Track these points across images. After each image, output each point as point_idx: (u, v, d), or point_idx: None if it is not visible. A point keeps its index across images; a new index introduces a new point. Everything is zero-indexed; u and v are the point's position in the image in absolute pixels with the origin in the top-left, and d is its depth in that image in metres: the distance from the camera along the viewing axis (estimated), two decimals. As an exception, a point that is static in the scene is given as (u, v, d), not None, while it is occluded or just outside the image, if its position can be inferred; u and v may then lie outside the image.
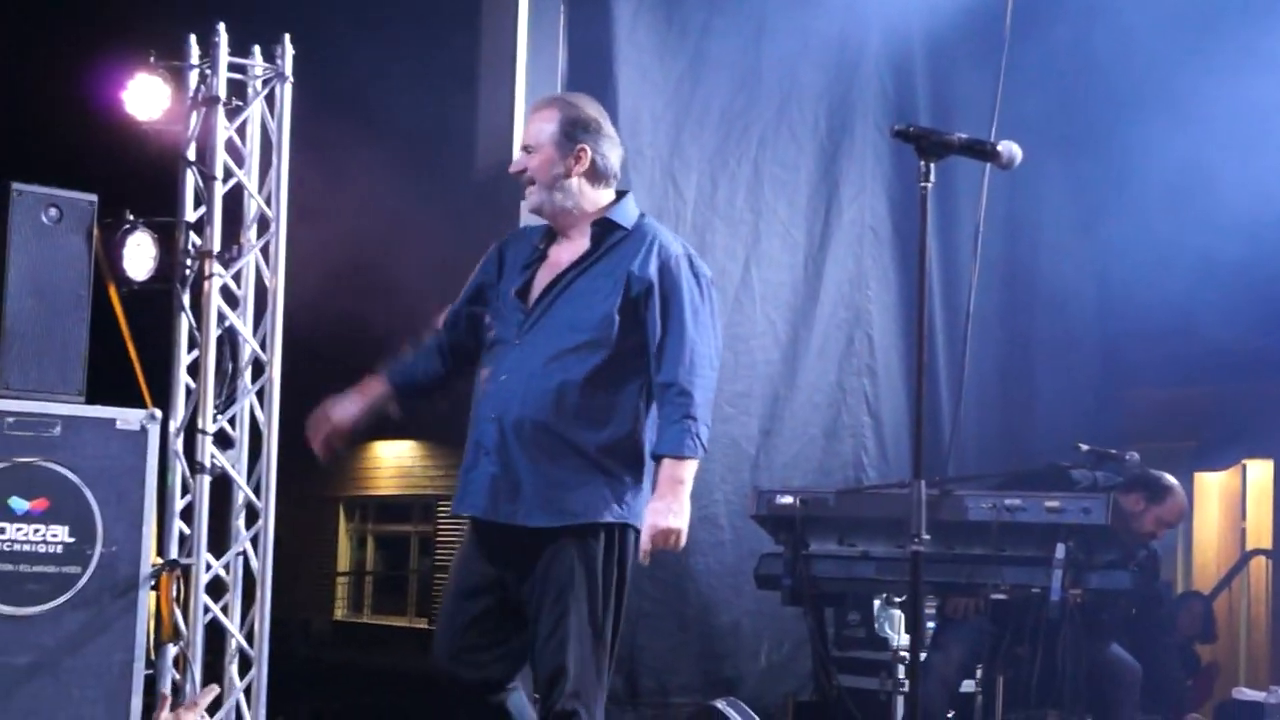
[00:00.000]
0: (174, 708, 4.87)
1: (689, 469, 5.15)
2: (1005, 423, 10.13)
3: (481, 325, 5.57)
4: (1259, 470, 12.34)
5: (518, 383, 5.24)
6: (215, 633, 7.48)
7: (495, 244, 5.73)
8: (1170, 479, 7.84)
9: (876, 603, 7.67)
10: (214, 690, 5.42)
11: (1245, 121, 9.53)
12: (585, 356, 5.21)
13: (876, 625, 7.69)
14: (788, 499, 7.36)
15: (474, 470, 5.37)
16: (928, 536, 5.01)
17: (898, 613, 7.55)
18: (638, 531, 5.20)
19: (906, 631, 7.35)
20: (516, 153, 5.64)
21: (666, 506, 5.09)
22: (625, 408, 5.23)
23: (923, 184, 5.02)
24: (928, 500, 5.09)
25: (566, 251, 5.41)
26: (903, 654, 7.29)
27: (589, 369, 5.20)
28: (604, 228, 5.36)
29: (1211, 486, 12.71)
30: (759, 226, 9.34)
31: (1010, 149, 5.11)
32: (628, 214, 5.40)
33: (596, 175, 5.39)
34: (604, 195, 5.43)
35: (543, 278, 5.41)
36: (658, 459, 5.15)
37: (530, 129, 5.46)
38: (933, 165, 5.00)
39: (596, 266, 5.32)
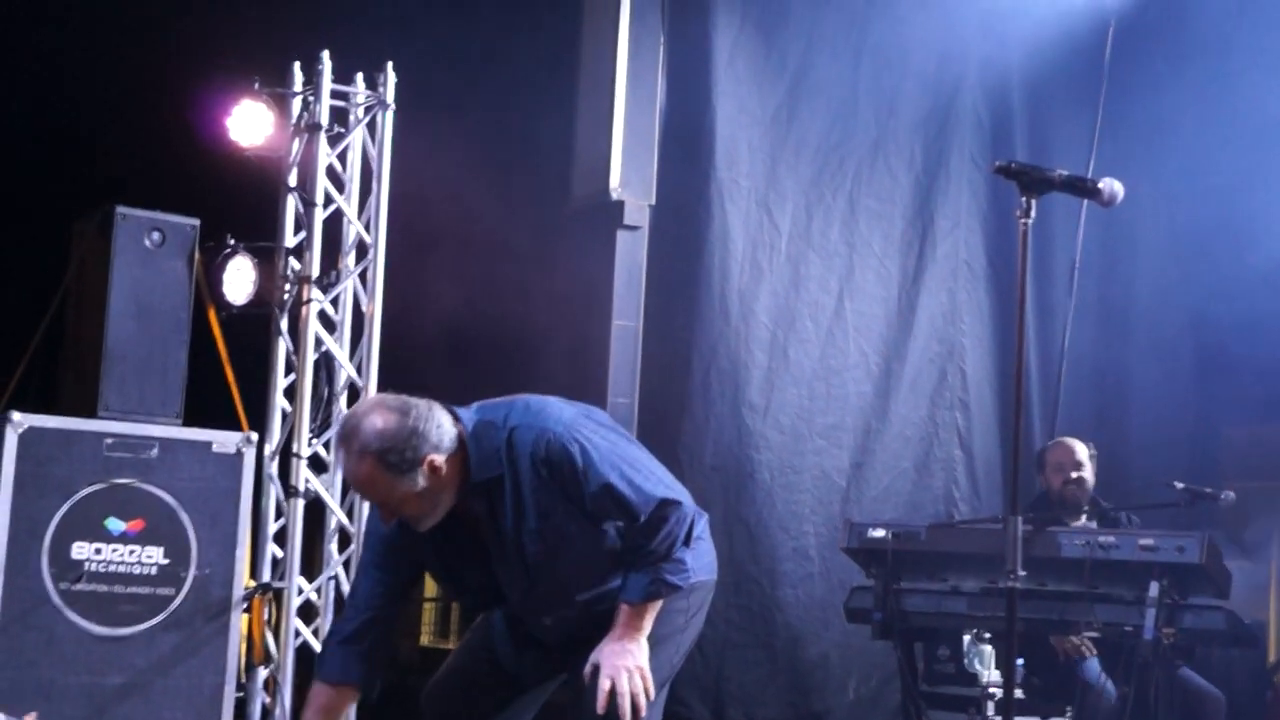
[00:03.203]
0: None
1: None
2: (1099, 461, 10.06)
3: None
4: (1356, 504, 12.19)
5: None
6: (306, 656, 7.52)
7: None
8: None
9: (966, 638, 7.60)
10: None
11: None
12: None
13: (966, 661, 7.62)
14: (879, 532, 7.31)
15: None
16: (1024, 573, 4.95)
17: (988, 648, 7.48)
18: None
19: (997, 668, 7.30)
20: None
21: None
22: None
23: (1023, 220, 4.98)
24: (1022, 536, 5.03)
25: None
26: (992, 690, 7.22)
27: None
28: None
29: (1308, 525, 12.56)
30: (853, 259, 9.32)
31: (1112, 186, 5.06)
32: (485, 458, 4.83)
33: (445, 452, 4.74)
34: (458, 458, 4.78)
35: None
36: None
37: (365, 491, 4.80)
38: (1034, 201, 4.96)
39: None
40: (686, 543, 4.82)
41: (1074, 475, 7.92)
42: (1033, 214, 4.95)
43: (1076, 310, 8.46)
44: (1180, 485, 7.60)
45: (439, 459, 4.67)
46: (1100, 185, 5.05)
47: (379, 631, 5.01)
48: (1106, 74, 8.51)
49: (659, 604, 4.81)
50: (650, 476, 4.81)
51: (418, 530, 4.81)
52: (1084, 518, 7.84)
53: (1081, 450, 8.00)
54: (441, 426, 4.70)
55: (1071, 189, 5.08)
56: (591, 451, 4.73)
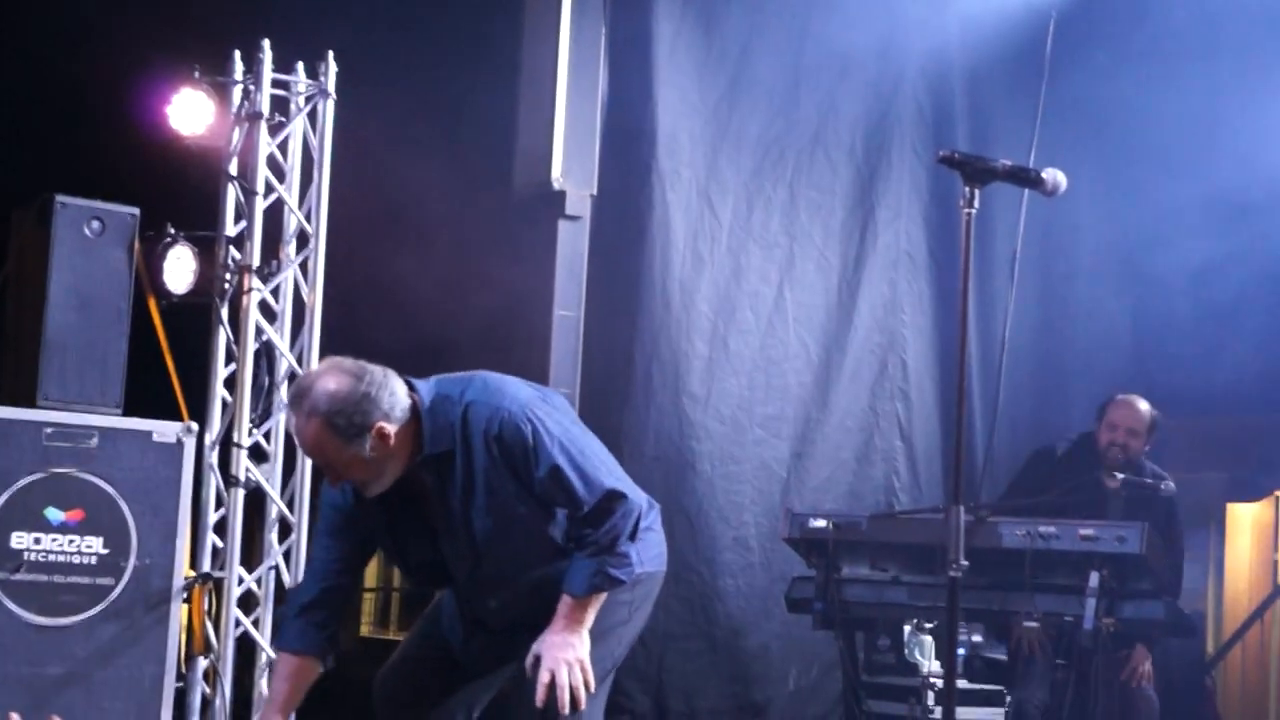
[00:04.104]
0: None
1: None
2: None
3: None
4: (1293, 502, 12.27)
5: None
6: (246, 646, 7.52)
7: None
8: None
9: (907, 628, 7.65)
10: None
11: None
12: None
13: (906, 651, 7.66)
14: (820, 522, 7.35)
15: None
16: (966, 563, 4.97)
17: (928, 639, 7.53)
18: None
19: (937, 658, 7.34)
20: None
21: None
22: None
23: (966, 210, 5.00)
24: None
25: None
26: (933, 680, 7.26)
27: None
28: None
29: (1244, 518, 12.62)
30: (793, 249, 9.33)
31: (1055, 176, 5.09)
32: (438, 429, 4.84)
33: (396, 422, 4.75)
34: (409, 429, 4.80)
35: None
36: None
37: (311, 452, 4.82)
38: (977, 191, 4.98)
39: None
40: (633, 537, 4.81)
41: (1121, 440, 7.95)
42: (976, 204, 4.98)
43: (1017, 301, 8.48)
44: (1120, 476, 7.66)
45: (389, 427, 4.69)
46: (1044, 175, 5.09)
47: (336, 601, 5.04)
48: (1048, 65, 8.54)
49: (602, 597, 4.80)
50: (600, 466, 4.83)
51: (365, 495, 4.83)
52: (1117, 482, 7.90)
53: (1141, 417, 8.01)
54: (395, 395, 4.72)
55: (1015, 179, 5.11)
56: (543, 434, 4.75)
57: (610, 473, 4.86)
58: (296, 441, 4.86)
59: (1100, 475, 7.88)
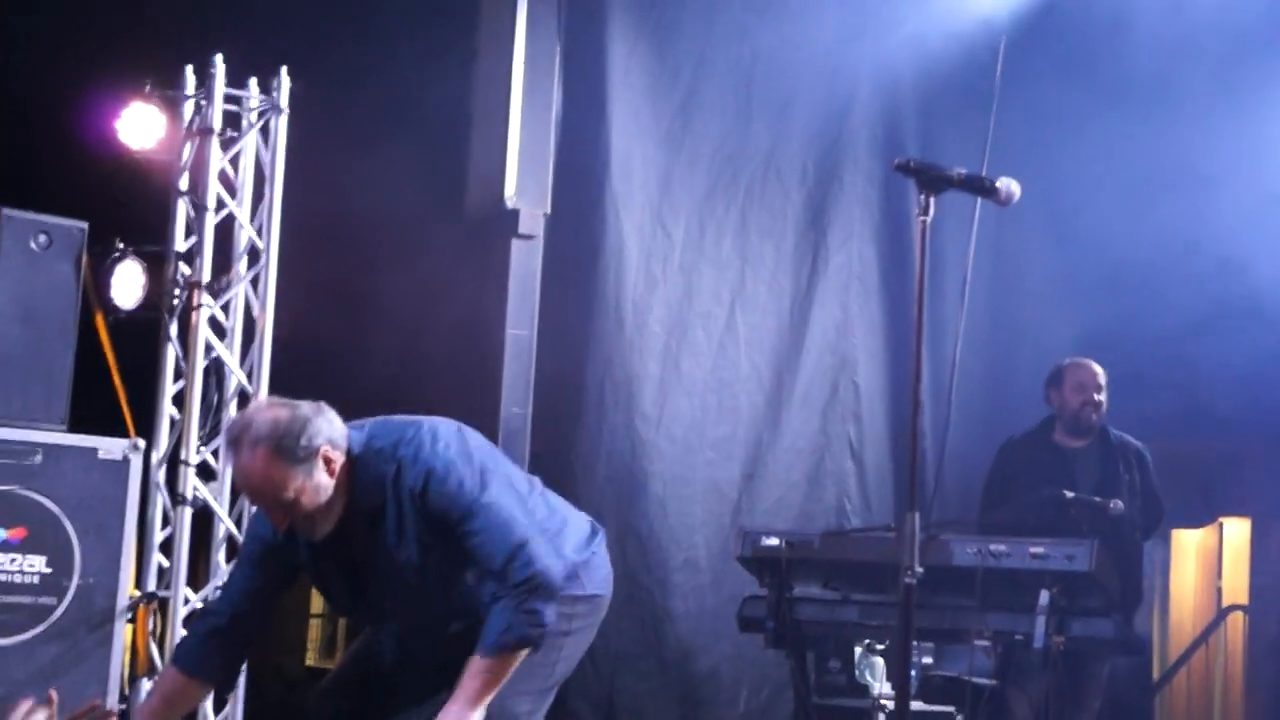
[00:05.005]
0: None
1: None
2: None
3: None
4: (1236, 528, 12.34)
5: None
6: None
7: None
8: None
9: (858, 650, 7.63)
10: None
11: (1230, 179, 9.56)
12: None
13: (857, 673, 7.65)
14: (773, 540, 7.31)
15: None
16: (920, 569, 4.96)
17: (879, 660, 7.51)
18: None
19: (888, 680, 7.32)
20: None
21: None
22: None
23: (921, 218, 5.01)
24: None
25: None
26: (883, 702, 7.24)
27: None
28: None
29: (1189, 544, 12.71)
30: (745, 271, 9.35)
31: (1009, 186, 5.12)
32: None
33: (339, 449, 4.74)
34: (346, 469, 4.77)
35: None
36: None
37: (261, 487, 4.68)
38: (932, 199, 4.98)
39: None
40: (547, 594, 4.72)
41: (1095, 397, 8.10)
42: (931, 212, 4.98)
43: (967, 325, 8.49)
44: (1069, 494, 7.67)
45: (334, 453, 4.67)
46: (998, 184, 5.11)
47: (246, 630, 5.00)
48: (998, 89, 8.54)
49: (512, 660, 4.73)
50: (514, 524, 4.75)
51: (310, 539, 4.77)
52: (1087, 441, 8.09)
53: (1099, 371, 8.19)
54: (333, 423, 4.71)
55: (969, 187, 5.13)
56: (467, 492, 4.72)
57: (529, 528, 4.78)
58: (242, 484, 4.79)
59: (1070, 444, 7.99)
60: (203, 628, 5.02)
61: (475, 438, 4.95)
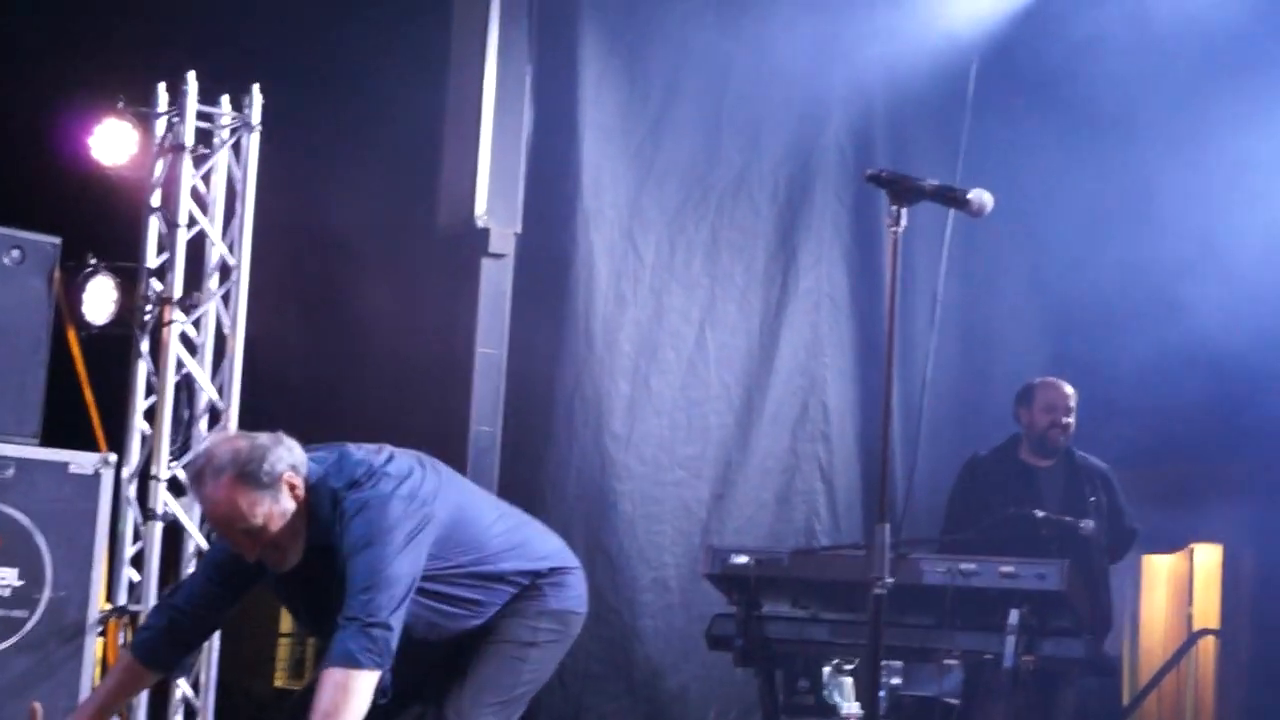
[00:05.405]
0: None
1: None
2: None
3: None
4: (1207, 554, 12.34)
5: None
6: (160, 683, 7.40)
7: None
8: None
9: (826, 669, 7.63)
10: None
11: (1200, 201, 9.61)
12: None
13: (825, 693, 7.65)
14: (742, 558, 7.32)
15: None
16: (890, 580, 4.97)
17: (848, 680, 7.51)
18: None
19: (856, 699, 7.32)
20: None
21: None
22: None
23: (893, 228, 5.02)
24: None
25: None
26: (851, 720, 7.25)
27: None
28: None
29: (1160, 570, 12.71)
30: (715, 290, 9.36)
31: (980, 196, 5.12)
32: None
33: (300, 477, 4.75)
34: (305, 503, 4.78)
35: None
36: None
37: (228, 516, 4.66)
38: (904, 211, 5.00)
39: None
40: (388, 629, 4.58)
41: (1064, 419, 8.06)
42: (903, 223, 4.99)
43: (938, 345, 8.51)
44: (1040, 514, 7.68)
45: (297, 479, 4.68)
46: (969, 195, 5.12)
47: (202, 626, 5.05)
48: (969, 110, 8.62)
49: (353, 687, 4.53)
50: (398, 598, 4.62)
51: (279, 570, 4.78)
52: (1053, 461, 8.09)
53: (1070, 393, 8.15)
54: (293, 450, 4.72)
55: (941, 198, 5.14)
56: (381, 538, 4.64)
57: (398, 597, 4.63)
58: (209, 515, 4.76)
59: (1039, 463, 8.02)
60: (161, 621, 5.01)
61: (426, 484, 4.86)
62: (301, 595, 4.95)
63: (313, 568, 4.77)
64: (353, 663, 4.51)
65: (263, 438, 4.69)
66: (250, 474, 4.60)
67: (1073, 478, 8.08)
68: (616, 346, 8.98)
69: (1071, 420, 8.09)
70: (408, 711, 5.07)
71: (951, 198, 5.14)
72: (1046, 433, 8.06)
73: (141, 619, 7.29)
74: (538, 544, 5.20)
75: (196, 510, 7.54)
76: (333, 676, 4.52)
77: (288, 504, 4.66)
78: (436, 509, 4.82)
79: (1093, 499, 7.99)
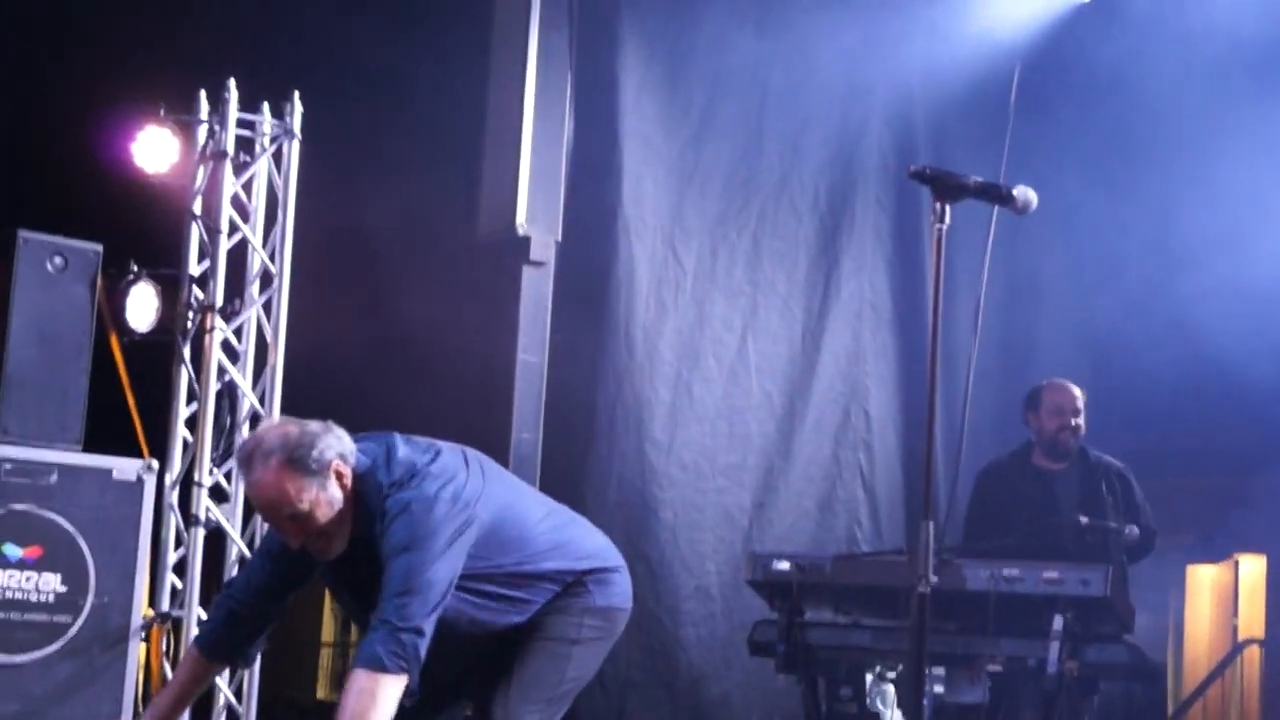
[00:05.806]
0: None
1: None
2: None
3: None
4: (1251, 565, 12.29)
5: None
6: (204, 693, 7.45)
7: None
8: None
9: (869, 677, 7.60)
10: None
11: (1240, 208, 9.57)
12: None
13: (868, 700, 7.62)
14: (784, 565, 7.28)
15: None
16: (935, 578, 4.94)
17: (890, 688, 7.48)
18: None
19: (899, 707, 7.30)
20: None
21: None
22: None
23: (937, 225, 4.97)
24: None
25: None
26: (895, 728, 7.23)
27: None
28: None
29: (1204, 580, 12.66)
30: (757, 298, 9.36)
31: (1025, 193, 5.07)
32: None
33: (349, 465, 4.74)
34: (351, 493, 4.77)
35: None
36: None
37: (275, 501, 4.66)
38: (948, 207, 4.96)
39: None
40: (419, 634, 4.57)
41: (1073, 422, 7.96)
42: (947, 220, 4.95)
43: (980, 356, 8.48)
44: (1085, 520, 7.64)
45: (345, 468, 4.67)
46: (1014, 192, 5.08)
47: (264, 613, 5.04)
48: (1012, 117, 8.56)
49: (378, 691, 4.52)
50: (434, 602, 4.61)
51: (324, 558, 4.79)
52: (1067, 464, 7.99)
53: (1078, 395, 8.05)
54: (342, 439, 4.72)
55: (985, 195, 5.09)
56: (425, 538, 4.63)
57: (433, 602, 4.61)
58: (256, 500, 4.76)
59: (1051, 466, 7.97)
60: (221, 612, 5.05)
61: (470, 485, 4.83)
62: (348, 584, 4.95)
63: (358, 557, 4.76)
64: (379, 666, 4.50)
65: (313, 425, 4.70)
66: (299, 459, 4.60)
67: (1088, 479, 7.99)
68: (658, 354, 8.98)
69: (1081, 421, 8.00)
70: (447, 710, 5.08)
71: (996, 194, 5.09)
72: (1056, 436, 7.97)
73: (184, 626, 7.34)
74: (583, 542, 5.21)
75: (239, 517, 7.57)
76: (358, 680, 4.51)
77: (335, 492, 4.66)
78: (479, 510, 4.81)
79: (1110, 499, 7.92)
